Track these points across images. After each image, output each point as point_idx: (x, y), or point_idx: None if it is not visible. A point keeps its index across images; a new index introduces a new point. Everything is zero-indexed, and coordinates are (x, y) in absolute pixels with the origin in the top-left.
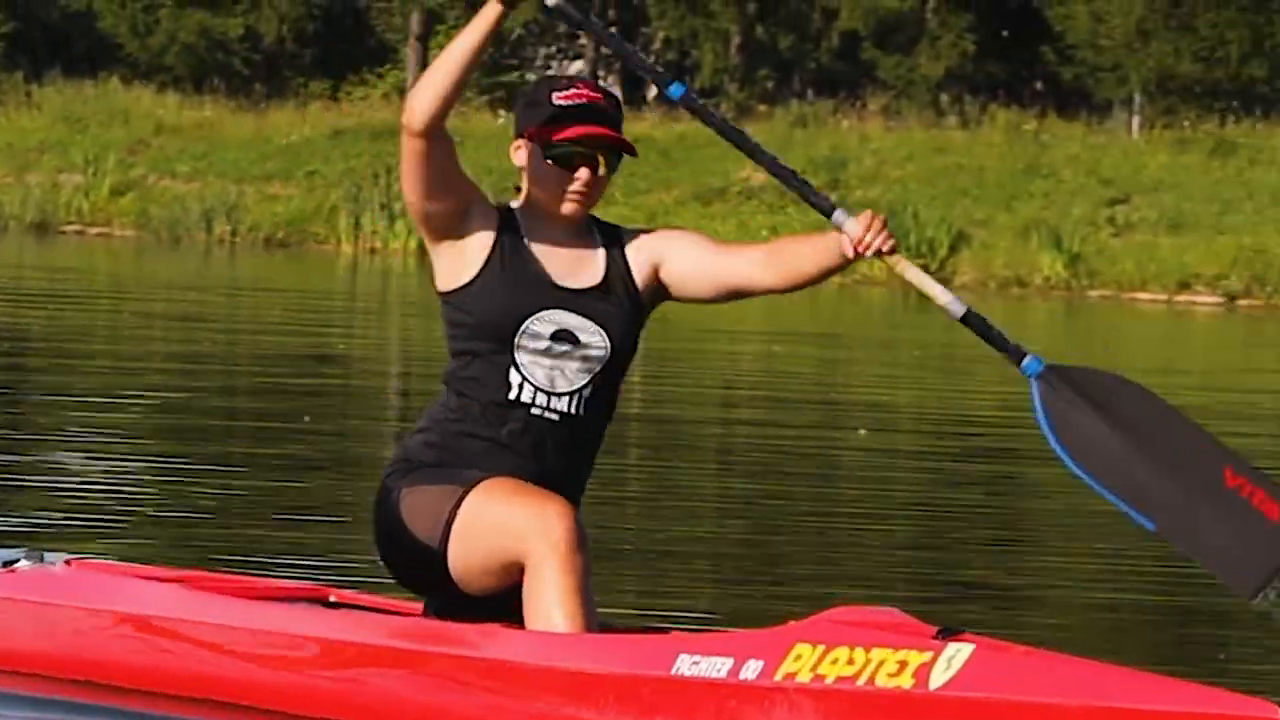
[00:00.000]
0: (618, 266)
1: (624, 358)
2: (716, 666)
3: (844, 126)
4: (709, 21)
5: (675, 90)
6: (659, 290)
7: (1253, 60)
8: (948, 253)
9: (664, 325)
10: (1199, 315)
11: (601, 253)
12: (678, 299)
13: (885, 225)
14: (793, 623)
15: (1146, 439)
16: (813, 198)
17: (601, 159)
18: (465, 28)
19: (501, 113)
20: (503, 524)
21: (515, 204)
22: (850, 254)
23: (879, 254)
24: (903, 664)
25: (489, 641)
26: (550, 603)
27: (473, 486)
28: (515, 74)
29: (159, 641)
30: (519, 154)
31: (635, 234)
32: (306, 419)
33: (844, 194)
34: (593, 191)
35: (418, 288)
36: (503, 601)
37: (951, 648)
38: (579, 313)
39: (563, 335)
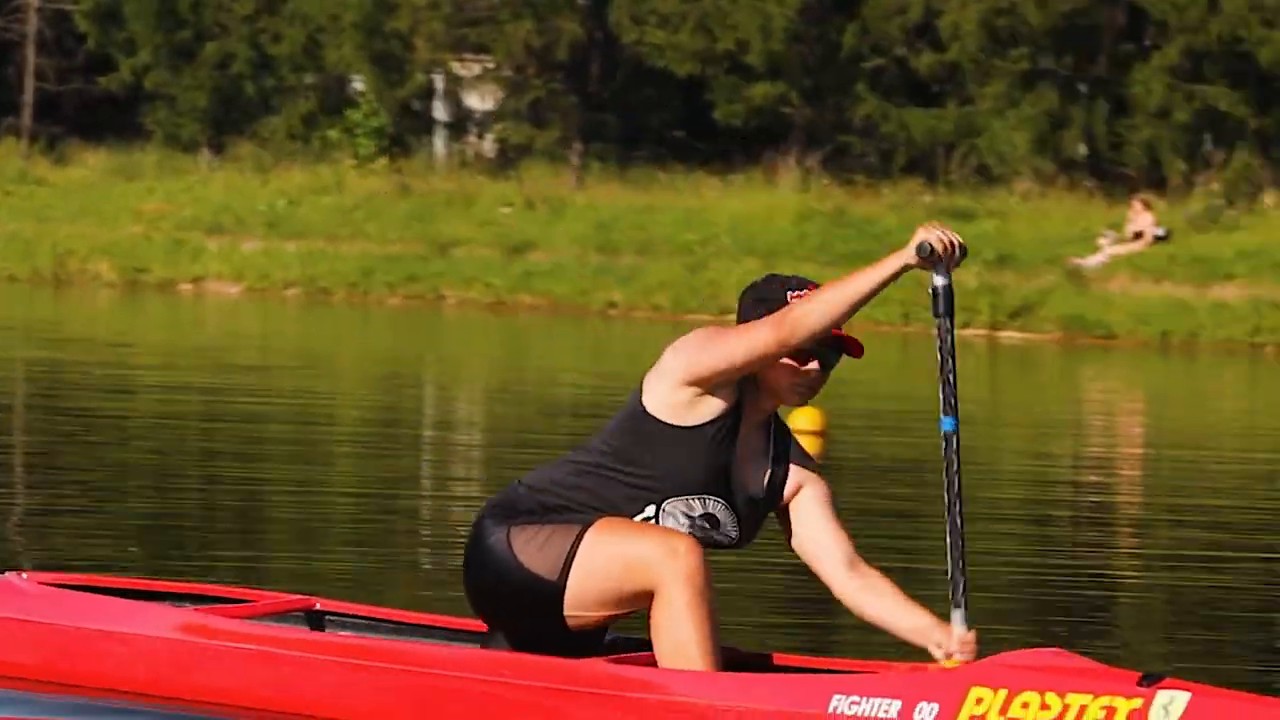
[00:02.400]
0: (777, 480)
1: (737, 549)
2: (882, 708)
3: None
4: None
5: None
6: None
7: None
8: None
9: None
10: None
11: (771, 461)
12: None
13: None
14: (943, 665)
15: None
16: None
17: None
18: (869, 272)
19: None
20: (631, 554)
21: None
22: (939, 654)
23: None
24: (1110, 710)
25: (630, 680)
26: (684, 632)
27: (592, 522)
28: None
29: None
30: None
31: (798, 451)
32: None
33: None
34: (818, 386)
35: None
36: (585, 639)
37: (1164, 695)
38: (734, 512)
39: (709, 519)
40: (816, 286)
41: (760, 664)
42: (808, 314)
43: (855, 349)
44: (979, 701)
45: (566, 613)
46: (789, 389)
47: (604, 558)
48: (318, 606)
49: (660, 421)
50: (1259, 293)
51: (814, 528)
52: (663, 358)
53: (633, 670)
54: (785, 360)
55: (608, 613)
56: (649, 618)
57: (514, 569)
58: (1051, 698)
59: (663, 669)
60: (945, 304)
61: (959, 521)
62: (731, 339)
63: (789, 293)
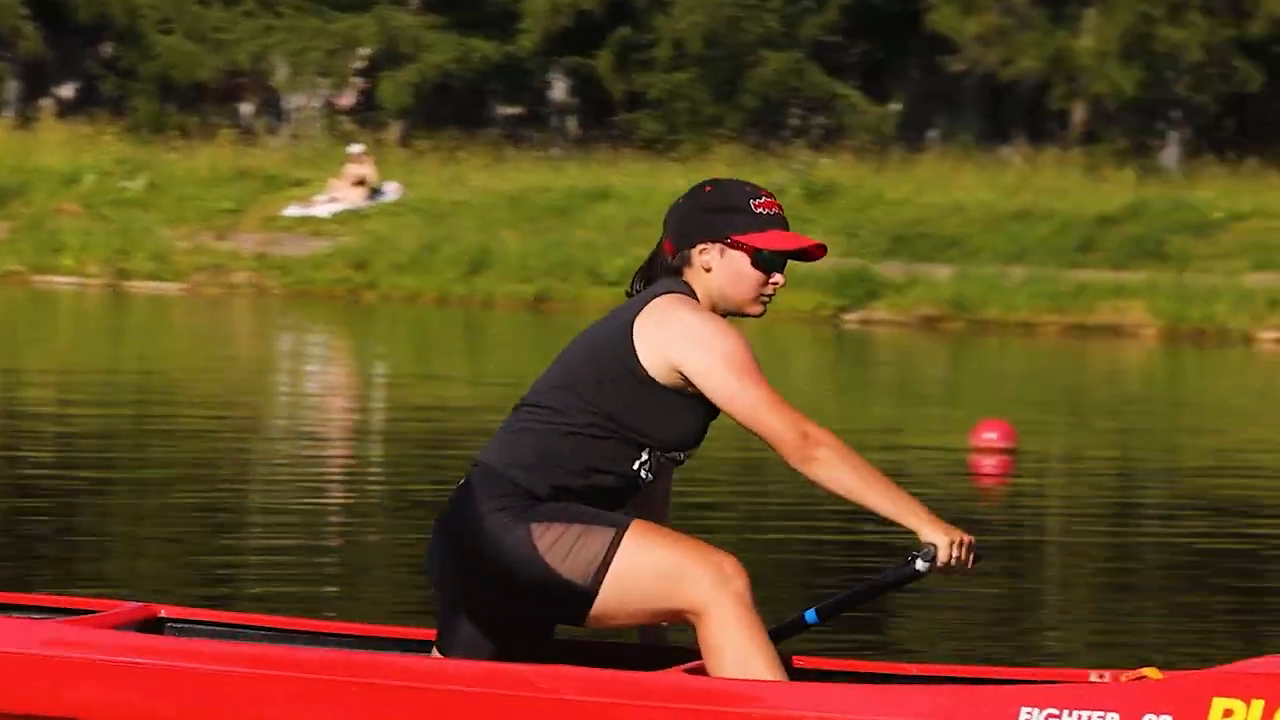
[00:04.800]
0: None
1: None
2: None
3: None
4: None
5: (810, 617)
6: None
7: None
8: None
9: None
10: None
11: None
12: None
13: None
14: (1173, 672)
15: None
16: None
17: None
18: (902, 497)
19: None
20: (674, 570)
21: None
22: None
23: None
24: None
25: (806, 698)
26: (746, 652)
27: (627, 527)
28: None
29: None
30: (706, 256)
31: None
32: None
33: None
34: (775, 294)
35: None
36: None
37: None
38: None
39: (687, 455)
40: (768, 192)
41: (831, 675)
42: (838, 476)
43: (820, 252)
44: (1227, 714)
45: (590, 618)
46: (754, 301)
47: (644, 570)
48: (162, 614)
49: (664, 387)
50: None
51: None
52: (674, 336)
53: (742, 684)
54: (755, 273)
55: (634, 624)
56: (697, 637)
57: (540, 571)
58: None
59: (772, 681)
60: (897, 577)
61: None
62: (758, 405)
63: (752, 201)
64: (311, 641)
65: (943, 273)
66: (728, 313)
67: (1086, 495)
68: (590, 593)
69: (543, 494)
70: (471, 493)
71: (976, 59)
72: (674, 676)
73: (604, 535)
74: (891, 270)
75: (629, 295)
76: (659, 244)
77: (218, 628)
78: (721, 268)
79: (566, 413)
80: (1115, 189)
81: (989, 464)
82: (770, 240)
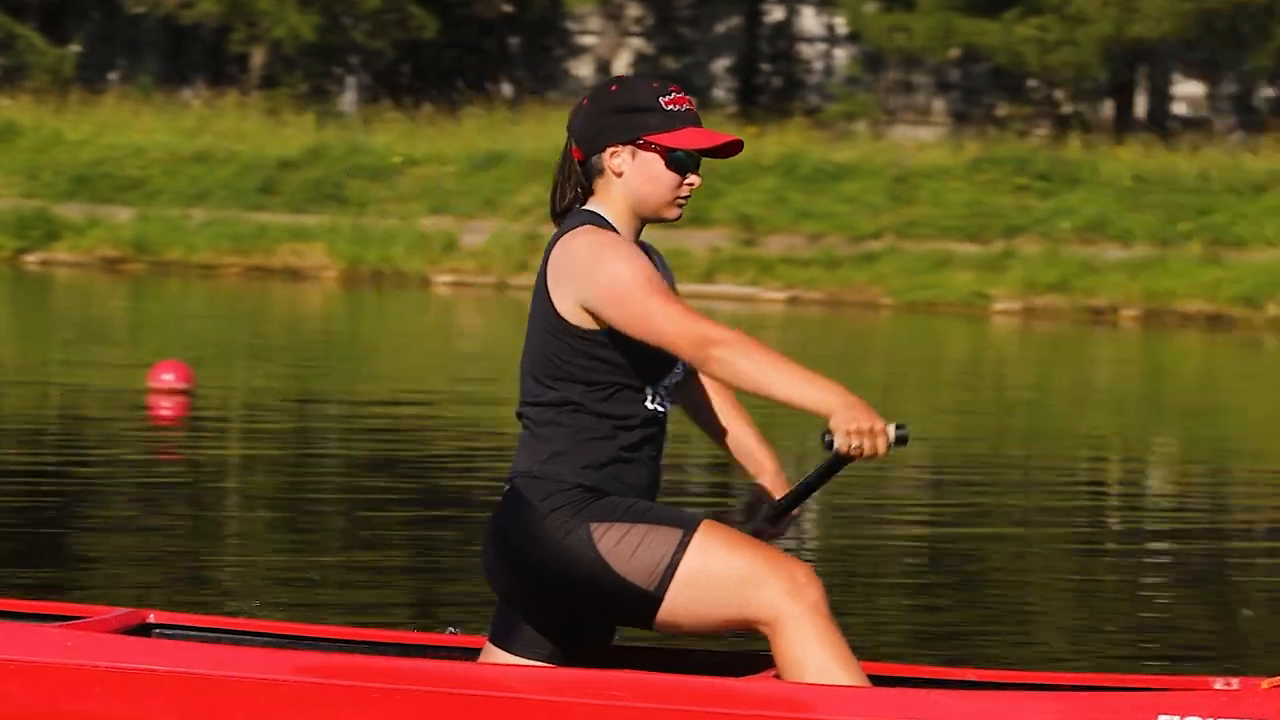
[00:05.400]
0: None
1: None
2: None
3: None
4: None
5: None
6: None
7: None
8: None
9: None
10: None
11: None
12: None
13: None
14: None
15: None
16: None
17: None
18: (808, 382)
19: None
20: (745, 577)
21: (600, 211)
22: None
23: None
24: None
25: (922, 706)
26: (827, 665)
27: (695, 529)
28: None
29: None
30: (616, 159)
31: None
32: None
33: None
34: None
35: None
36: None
37: None
38: None
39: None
40: (678, 87)
41: (911, 682)
42: (739, 369)
43: (736, 149)
44: None
45: (656, 624)
46: (671, 204)
47: (713, 576)
48: (151, 619)
49: (598, 330)
50: None
51: None
52: (572, 279)
53: (849, 691)
54: (670, 175)
55: (702, 631)
56: (771, 648)
57: (602, 573)
58: None
59: (878, 688)
60: (826, 469)
61: None
62: (651, 317)
63: (660, 99)
64: (311, 646)
65: (124, 214)
66: (645, 218)
67: (264, 432)
68: (656, 597)
69: (590, 481)
70: (520, 497)
71: (156, 1)
72: (768, 683)
73: (670, 536)
74: (72, 211)
75: (554, 218)
76: (565, 150)
77: (207, 633)
78: (634, 171)
79: (558, 395)
80: (295, 133)
81: (166, 405)
82: (684, 139)
